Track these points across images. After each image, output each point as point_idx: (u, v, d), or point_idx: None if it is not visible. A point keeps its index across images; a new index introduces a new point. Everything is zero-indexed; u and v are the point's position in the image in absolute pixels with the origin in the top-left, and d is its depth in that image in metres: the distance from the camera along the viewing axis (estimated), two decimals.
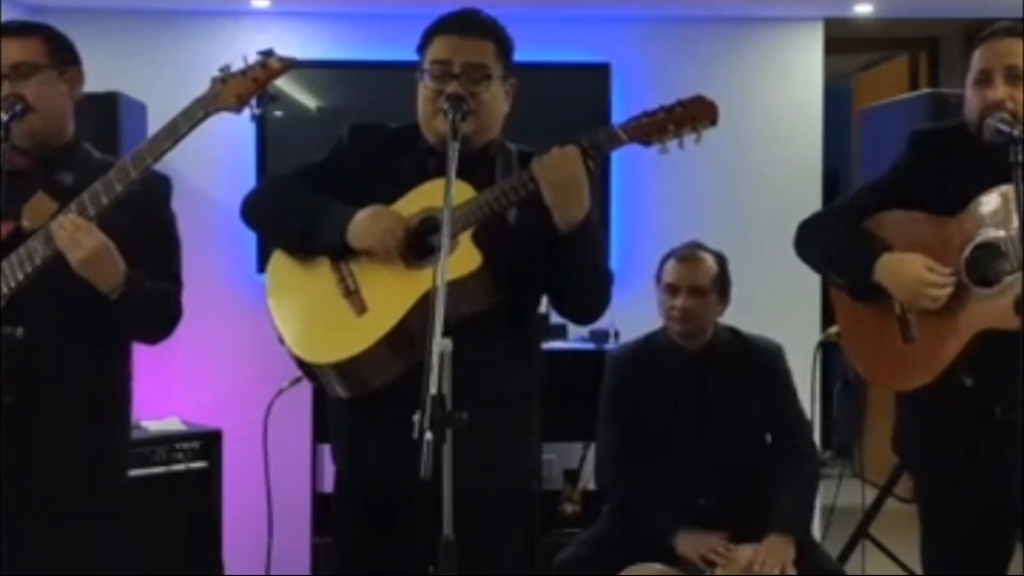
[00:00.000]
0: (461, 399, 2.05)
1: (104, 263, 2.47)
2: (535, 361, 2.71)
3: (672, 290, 3.50)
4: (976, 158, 2.59)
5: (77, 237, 2.44)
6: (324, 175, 2.64)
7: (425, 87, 2.57)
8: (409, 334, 2.42)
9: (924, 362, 2.63)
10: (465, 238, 2.47)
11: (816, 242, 2.83)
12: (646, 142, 2.51)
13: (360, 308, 2.50)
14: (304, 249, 2.58)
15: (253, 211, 2.70)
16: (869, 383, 2.91)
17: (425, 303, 2.36)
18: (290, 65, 2.53)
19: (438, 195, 2.36)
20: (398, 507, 2.51)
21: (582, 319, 2.77)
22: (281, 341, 2.57)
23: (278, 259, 2.64)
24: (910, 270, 2.61)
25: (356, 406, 2.56)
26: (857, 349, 2.84)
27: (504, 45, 2.62)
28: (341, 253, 2.53)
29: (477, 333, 2.37)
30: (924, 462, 2.80)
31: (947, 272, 2.59)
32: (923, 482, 2.87)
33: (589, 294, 2.62)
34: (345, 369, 2.48)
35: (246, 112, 2.54)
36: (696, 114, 2.50)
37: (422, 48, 2.62)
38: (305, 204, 2.57)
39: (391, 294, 2.46)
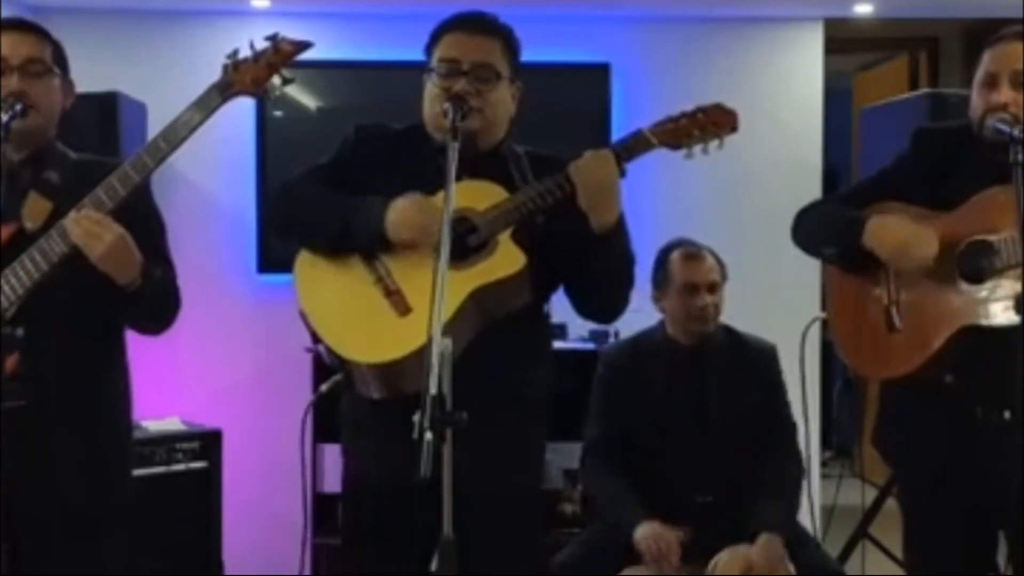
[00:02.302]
0: (485, 399, 2.05)
1: (124, 255, 2.47)
2: (550, 361, 2.72)
3: (693, 289, 3.50)
4: (978, 159, 2.60)
5: (96, 231, 2.43)
6: (335, 176, 2.62)
7: (433, 86, 2.56)
8: (453, 336, 2.40)
9: (907, 352, 2.64)
10: (505, 238, 2.48)
11: (809, 222, 2.85)
12: (674, 146, 2.55)
13: (403, 309, 2.47)
14: (339, 248, 2.54)
15: (278, 218, 2.69)
16: (853, 369, 2.92)
17: (470, 304, 2.37)
18: (302, 47, 2.53)
19: (470, 196, 2.37)
20: (414, 507, 2.50)
21: (604, 318, 2.79)
22: (315, 340, 2.54)
23: (305, 259, 2.59)
24: (898, 228, 2.60)
25: (381, 407, 2.53)
26: (844, 335, 2.85)
27: (512, 46, 2.63)
28: (375, 250, 2.51)
29: (501, 334, 2.39)
30: (905, 459, 2.81)
31: (932, 233, 2.58)
32: (904, 480, 2.89)
33: (614, 294, 2.64)
34: (388, 371, 2.44)
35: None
36: (717, 121, 2.57)
37: (430, 47, 2.62)
38: (334, 203, 2.54)
39: None
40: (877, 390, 2.91)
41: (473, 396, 2.06)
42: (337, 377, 2.58)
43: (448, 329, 2.36)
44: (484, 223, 2.46)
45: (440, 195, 2.48)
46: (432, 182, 2.53)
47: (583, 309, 2.69)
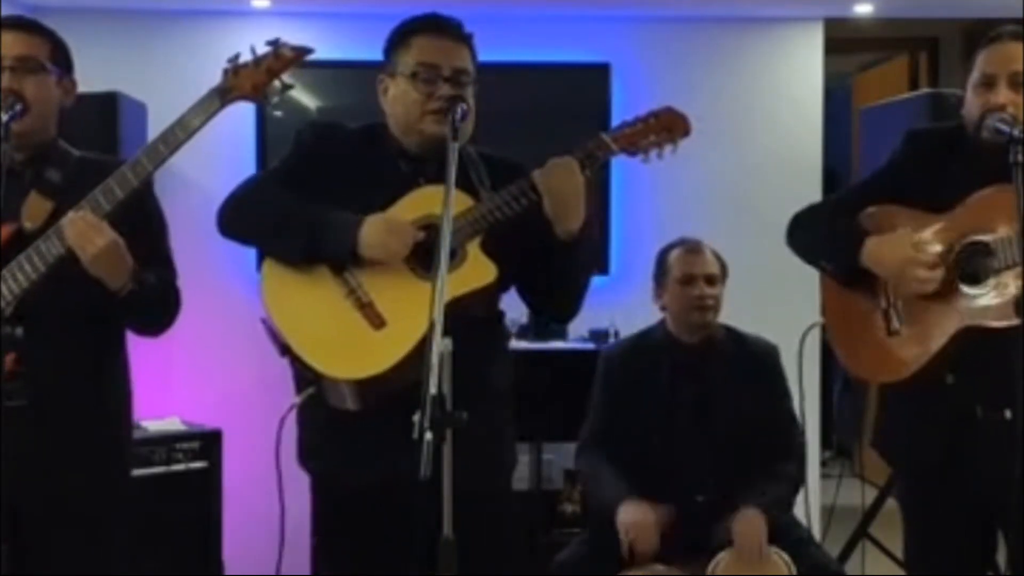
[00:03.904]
0: (456, 401, 2.06)
1: (115, 260, 2.47)
2: (509, 357, 2.74)
3: (690, 280, 3.51)
4: (971, 159, 2.60)
5: (89, 235, 2.43)
6: (294, 179, 2.58)
7: (414, 89, 2.54)
8: (426, 347, 2.40)
9: (907, 356, 2.64)
10: (474, 248, 2.48)
11: (806, 231, 2.84)
12: (632, 152, 2.58)
13: (378, 322, 2.46)
14: (305, 259, 2.51)
15: (238, 224, 2.61)
16: (853, 374, 2.92)
17: (447, 314, 2.36)
18: (303, 53, 2.53)
19: (435, 202, 2.35)
20: (396, 508, 2.50)
21: (561, 319, 2.81)
22: (283, 353, 2.51)
23: (270, 269, 2.55)
24: (897, 248, 2.60)
25: (356, 413, 2.52)
26: (842, 340, 2.84)
27: (475, 51, 2.63)
28: (345, 263, 2.50)
29: (466, 334, 2.38)
30: (905, 459, 2.81)
31: (935, 252, 2.58)
32: (905, 479, 2.89)
33: (575, 297, 2.66)
34: (368, 385, 2.44)
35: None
36: (670, 125, 2.58)
37: (395, 49, 2.61)
38: (301, 215, 2.51)
39: (409, 307, 2.41)
40: (876, 391, 2.90)
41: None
42: (311, 390, 2.56)
43: (424, 344, 2.37)
44: (452, 232, 2.45)
45: (397, 207, 2.51)
46: (392, 183, 2.54)
47: (540, 309, 2.75)
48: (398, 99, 2.57)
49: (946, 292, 2.58)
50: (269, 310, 2.52)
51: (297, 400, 3.57)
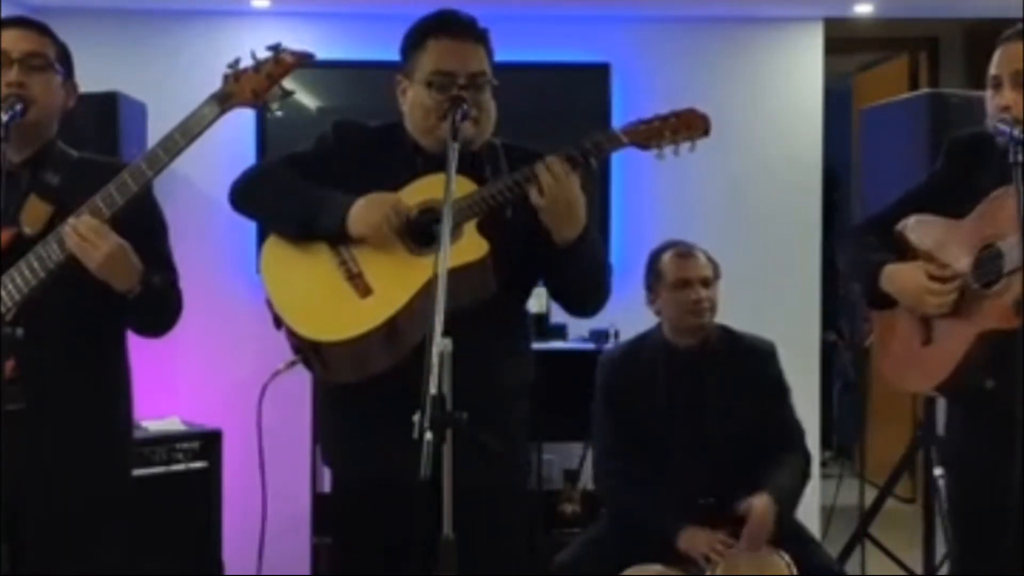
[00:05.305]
0: (461, 396, 2.05)
1: (121, 265, 2.47)
2: (529, 357, 2.75)
3: (685, 284, 3.50)
4: (1004, 162, 2.60)
5: (94, 240, 2.43)
6: (312, 168, 2.64)
7: (429, 96, 2.56)
8: (413, 318, 2.44)
9: (938, 363, 2.66)
10: (470, 227, 2.50)
11: (843, 253, 2.93)
12: (644, 146, 2.57)
13: (364, 291, 2.51)
14: (301, 234, 2.58)
15: (247, 198, 2.71)
16: (895, 385, 2.94)
17: (429, 289, 2.36)
18: (304, 58, 2.53)
19: (438, 188, 2.38)
20: (398, 506, 2.50)
21: (585, 314, 2.82)
22: (277, 323, 2.57)
23: (273, 242, 2.64)
24: (911, 279, 2.66)
25: (352, 404, 2.56)
26: (885, 352, 2.89)
27: (490, 48, 2.64)
28: (340, 240, 2.54)
29: (476, 329, 2.38)
30: (955, 464, 2.85)
31: (949, 276, 2.60)
32: (953, 483, 2.91)
33: (590, 293, 2.68)
34: (348, 349, 2.48)
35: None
36: (690, 124, 2.56)
37: (412, 50, 2.61)
38: (303, 193, 2.59)
39: (396, 278, 2.48)
40: (886, 394, 2.93)
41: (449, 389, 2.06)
42: (295, 359, 2.62)
43: (408, 311, 2.44)
44: (452, 212, 2.46)
45: (402, 193, 2.55)
46: (406, 177, 2.57)
47: (563, 305, 2.76)
48: (415, 104, 2.60)
49: (969, 297, 2.60)
50: (265, 279, 2.60)
51: (280, 368, 3.57)
